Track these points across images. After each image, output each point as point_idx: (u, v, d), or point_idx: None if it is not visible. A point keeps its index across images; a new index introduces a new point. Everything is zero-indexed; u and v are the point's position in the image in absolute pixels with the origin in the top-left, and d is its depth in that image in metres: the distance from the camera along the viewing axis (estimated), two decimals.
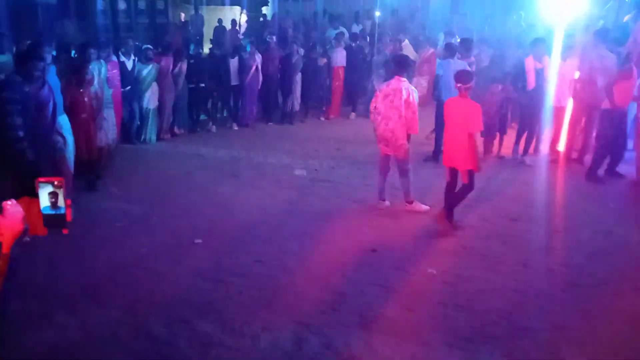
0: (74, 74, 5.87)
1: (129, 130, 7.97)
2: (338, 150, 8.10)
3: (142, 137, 8.12)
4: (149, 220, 5.30)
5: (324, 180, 6.67)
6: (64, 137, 5.47)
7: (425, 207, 5.66)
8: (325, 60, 9.84)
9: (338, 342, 3.41)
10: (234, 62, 9.04)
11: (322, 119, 10.23)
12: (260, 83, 9.28)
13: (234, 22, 14.57)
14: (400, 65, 5.52)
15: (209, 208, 5.69)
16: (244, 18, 15.89)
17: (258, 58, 9.13)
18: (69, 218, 1.68)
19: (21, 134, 4.46)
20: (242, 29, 14.96)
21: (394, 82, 5.43)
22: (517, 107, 7.85)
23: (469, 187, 5.08)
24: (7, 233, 1.61)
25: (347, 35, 11.25)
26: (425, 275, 4.31)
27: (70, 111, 5.69)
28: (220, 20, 14.55)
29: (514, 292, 4.06)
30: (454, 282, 4.19)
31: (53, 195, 1.65)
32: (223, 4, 17.00)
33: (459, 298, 3.96)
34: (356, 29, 13.94)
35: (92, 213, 5.31)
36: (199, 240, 4.84)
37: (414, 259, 4.57)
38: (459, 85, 4.96)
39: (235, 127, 9.34)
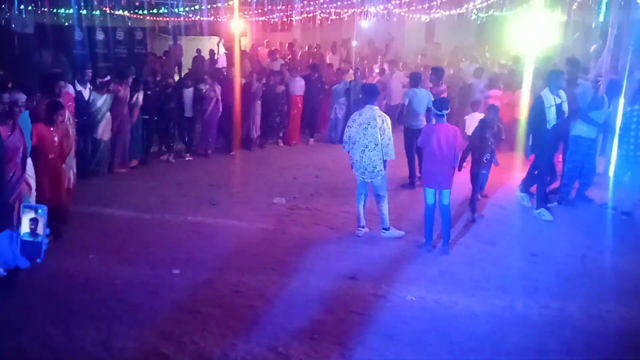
0: (47, 110, 5.26)
1: (82, 163, 7.19)
2: (317, 178, 8.14)
3: (92, 167, 7.53)
4: (125, 251, 5.22)
5: (303, 208, 6.68)
6: (29, 185, 4.69)
7: (400, 233, 5.72)
8: (282, 87, 9.98)
9: None
10: (188, 93, 8.86)
11: (281, 144, 10.30)
12: (219, 113, 9.13)
13: (211, 52, 14.70)
14: (370, 94, 5.64)
15: (187, 238, 5.63)
16: (221, 48, 16.05)
17: (218, 89, 9.03)
18: (45, 247, 1.67)
19: None
20: (222, 59, 15.09)
21: (366, 111, 5.53)
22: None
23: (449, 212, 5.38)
24: None
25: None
26: (404, 301, 4.32)
27: (36, 152, 4.93)
28: (198, 50, 14.67)
29: (493, 317, 4.09)
30: (433, 308, 4.21)
31: (34, 222, 1.64)
32: (202, 34, 17.17)
33: (438, 324, 3.97)
34: (333, 58, 14.25)
35: (67, 242, 5.21)
36: (177, 271, 4.78)
37: (393, 285, 4.58)
38: (437, 112, 5.26)
39: (189, 158, 9.01)
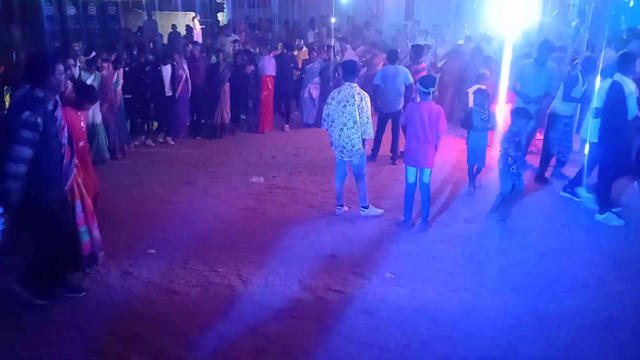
0: (78, 93, 4.73)
1: None
2: (295, 156, 8.06)
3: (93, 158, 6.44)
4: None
5: (282, 187, 6.62)
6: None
7: (379, 211, 5.71)
8: (252, 67, 9.29)
9: (297, 350, 3.37)
10: (166, 70, 8.36)
11: (249, 131, 9.52)
12: (189, 93, 8.68)
13: (189, 28, 14.33)
14: (350, 71, 5.55)
15: (163, 217, 5.53)
16: (197, 24, 15.66)
17: (185, 67, 8.58)
18: (2, 227, 1.59)
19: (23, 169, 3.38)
20: (198, 35, 14.73)
21: (345, 88, 5.45)
22: None
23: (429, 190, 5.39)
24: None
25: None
26: (383, 279, 4.32)
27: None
28: (174, 26, 14.28)
29: (470, 292, 4.12)
30: (412, 286, 4.22)
31: None
32: (177, 10, 16.71)
33: (416, 301, 3.99)
34: (311, 35, 14.02)
35: None
36: (152, 251, 4.70)
37: (372, 263, 4.59)
38: (422, 89, 5.19)
39: (172, 142, 8.63)
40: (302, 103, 10.04)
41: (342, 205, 5.76)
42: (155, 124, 8.98)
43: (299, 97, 10.14)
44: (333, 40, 12.24)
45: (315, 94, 9.83)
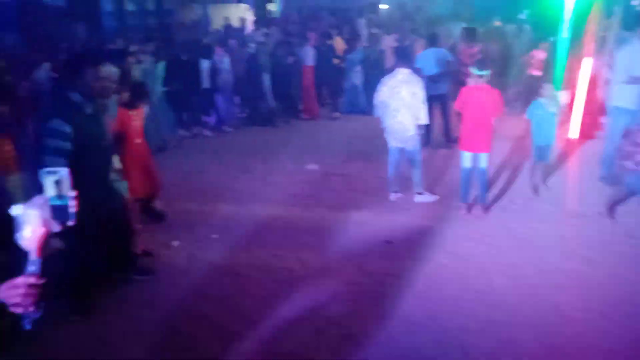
0: (132, 93, 4.68)
1: None
2: (349, 144, 8.12)
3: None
4: (165, 217, 5.36)
5: (337, 174, 6.71)
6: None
7: (434, 197, 5.69)
8: (293, 59, 9.45)
9: (357, 332, 3.45)
10: (205, 63, 8.57)
11: (297, 119, 9.73)
12: (230, 85, 8.91)
13: (242, 20, 14.58)
14: (403, 57, 5.56)
15: (224, 204, 5.74)
16: (250, 15, 15.92)
17: (227, 60, 8.81)
18: (72, 209, 1.61)
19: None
20: (250, 27, 14.99)
21: (398, 74, 5.45)
22: None
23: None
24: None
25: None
26: (440, 264, 4.33)
27: (121, 139, 4.41)
28: (226, 19, 14.59)
29: (533, 279, 4.07)
30: (470, 272, 4.21)
31: (58, 184, 1.59)
32: (229, 2, 17.04)
33: (475, 287, 3.98)
34: (360, 23, 13.96)
35: None
36: (215, 236, 4.91)
37: (428, 248, 4.60)
38: (477, 72, 5.08)
39: (208, 133, 8.82)
40: (345, 91, 10.16)
41: (396, 191, 5.78)
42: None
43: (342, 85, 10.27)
44: (365, 28, 12.18)
45: (358, 82, 9.85)
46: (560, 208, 5.41)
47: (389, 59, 10.22)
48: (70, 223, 1.63)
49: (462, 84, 7.79)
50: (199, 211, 5.54)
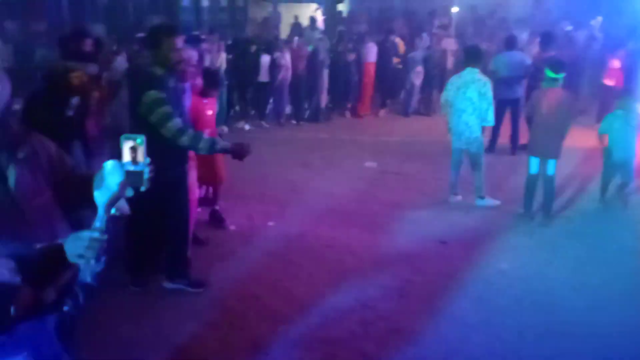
0: (206, 80, 4.45)
1: None
2: (409, 144, 8.02)
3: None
4: (224, 202, 5.49)
5: (394, 173, 6.64)
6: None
7: (496, 202, 5.51)
8: (354, 55, 9.44)
9: (405, 327, 3.40)
10: (265, 59, 8.78)
11: (348, 116, 9.83)
12: (288, 81, 9.01)
13: (312, 19, 14.73)
14: (472, 56, 5.41)
15: (282, 194, 5.82)
16: (319, 15, 16.04)
17: (287, 57, 8.90)
18: (147, 175, 1.66)
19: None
20: (320, 26, 15.11)
21: (466, 74, 5.32)
22: None
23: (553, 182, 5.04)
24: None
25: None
26: (497, 269, 4.19)
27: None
28: (296, 17, 14.79)
29: (593, 291, 3.85)
30: (528, 279, 4.04)
31: (133, 150, 1.63)
32: (300, 1, 17.26)
33: (532, 294, 3.82)
34: (431, 25, 13.73)
35: None
36: (271, 223, 4.99)
37: (486, 252, 4.46)
38: (551, 75, 4.85)
39: (266, 125, 9.08)
40: (404, 91, 10.00)
41: (456, 194, 5.64)
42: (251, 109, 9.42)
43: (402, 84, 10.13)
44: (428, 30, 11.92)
45: (418, 82, 9.69)
46: (629, 225, 5.09)
47: (449, 61, 10.03)
48: (143, 189, 1.68)
49: (537, 89, 7.54)
50: (256, 199, 5.64)
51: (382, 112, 10.04)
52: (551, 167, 4.99)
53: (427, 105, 9.97)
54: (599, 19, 11.38)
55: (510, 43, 7.23)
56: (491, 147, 7.27)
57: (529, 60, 7.22)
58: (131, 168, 1.65)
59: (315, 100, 9.36)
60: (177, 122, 3.22)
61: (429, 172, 6.63)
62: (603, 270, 4.15)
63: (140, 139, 1.66)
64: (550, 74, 4.89)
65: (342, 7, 18.13)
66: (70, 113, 3.65)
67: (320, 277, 4.01)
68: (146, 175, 1.67)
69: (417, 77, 9.69)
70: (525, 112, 5.38)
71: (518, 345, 3.26)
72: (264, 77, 8.91)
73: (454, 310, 3.61)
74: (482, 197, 5.52)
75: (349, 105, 9.87)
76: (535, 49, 8.20)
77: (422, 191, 5.99)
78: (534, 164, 5.07)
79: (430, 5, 15.33)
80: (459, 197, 5.64)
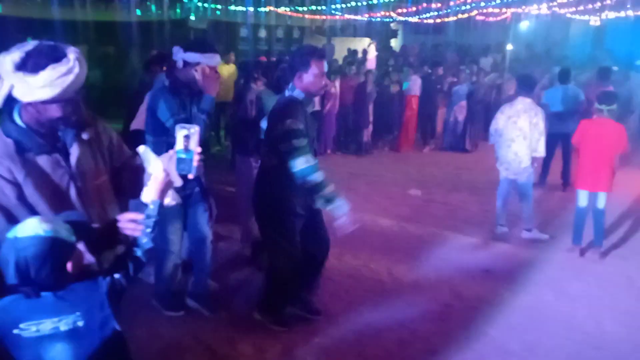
0: None
1: None
2: (456, 176, 7.93)
3: None
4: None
5: (439, 202, 6.57)
6: None
7: (545, 236, 5.33)
8: (397, 87, 9.27)
9: (442, 349, 3.33)
10: None
11: (387, 150, 9.49)
12: (336, 110, 8.90)
13: (364, 51, 15.05)
14: (525, 85, 5.35)
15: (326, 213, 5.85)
16: (373, 49, 16.36)
17: (337, 86, 8.82)
18: (195, 163, 1.75)
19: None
20: (372, 60, 15.39)
21: (518, 102, 5.27)
22: None
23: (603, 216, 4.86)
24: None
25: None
26: (542, 299, 4.05)
27: None
28: (349, 50, 15.14)
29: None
30: (577, 311, 3.88)
31: (187, 139, 1.73)
32: (354, 36, 17.69)
33: (582, 327, 3.65)
34: (485, 62, 13.71)
35: None
36: None
37: (530, 282, 4.33)
38: (602, 106, 4.76)
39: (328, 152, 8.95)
40: (447, 125, 9.84)
41: (502, 225, 5.52)
42: None
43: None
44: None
45: (461, 117, 9.50)
46: None
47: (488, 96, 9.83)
48: (191, 176, 1.79)
49: None
50: None
51: (426, 149, 9.72)
52: (601, 200, 4.82)
53: (470, 141, 9.71)
54: None
55: (564, 76, 7.11)
56: (542, 181, 7.09)
57: (582, 95, 7.07)
58: (182, 155, 1.75)
59: (360, 132, 9.38)
60: (306, 160, 3.10)
61: (475, 203, 6.52)
62: None
63: (194, 129, 1.75)
64: (602, 105, 4.78)
65: (394, 42, 18.44)
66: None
67: (358, 296, 4.00)
68: (195, 163, 1.76)
69: (460, 111, 9.51)
70: (573, 140, 5.23)
71: None
72: (315, 106, 8.97)
73: (494, 336, 3.51)
74: (529, 230, 5.37)
75: (396, 139, 9.71)
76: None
77: (468, 221, 5.89)
78: (583, 196, 4.92)
79: (485, 41, 15.37)
80: (505, 229, 5.51)
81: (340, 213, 3.18)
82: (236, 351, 3.28)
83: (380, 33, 17.91)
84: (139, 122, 2.96)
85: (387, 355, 3.26)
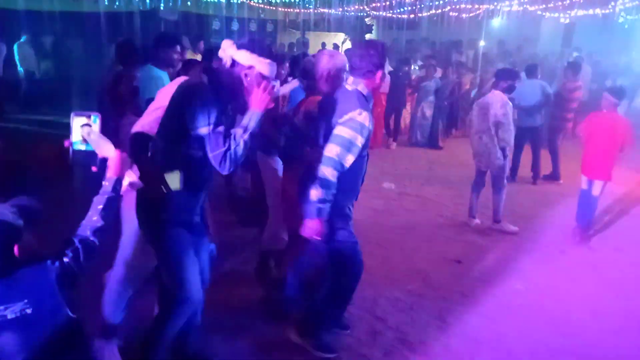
0: None
1: None
2: (429, 170, 7.96)
3: None
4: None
5: (413, 195, 6.58)
6: None
7: (514, 228, 5.40)
8: None
9: (414, 339, 3.32)
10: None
11: None
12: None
13: (335, 45, 15.02)
14: (499, 79, 5.39)
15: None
16: (347, 44, 16.33)
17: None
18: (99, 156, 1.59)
19: None
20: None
21: (490, 96, 5.32)
22: None
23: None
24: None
25: None
26: (512, 289, 4.08)
27: None
28: (323, 44, 15.08)
29: (612, 318, 3.71)
30: (545, 300, 3.92)
31: (86, 128, 1.54)
32: (328, 31, 17.63)
33: (548, 315, 3.69)
34: (457, 58, 13.82)
35: None
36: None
37: (501, 273, 4.36)
38: (610, 99, 5.02)
39: None
40: (414, 121, 9.82)
41: (474, 217, 5.56)
42: None
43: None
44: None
45: (429, 113, 9.46)
46: None
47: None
48: (94, 169, 1.62)
49: (560, 119, 7.47)
50: None
51: (393, 145, 9.58)
52: (596, 188, 5.11)
53: (436, 137, 9.63)
54: None
55: (531, 71, 7.20)
56: (512, 175, 7.18)
57: (549, 89, 7.17)
58: (80, 147, 1.55)
59: None
60: (347, 159, 2.80)
61: (448, 196, 6.55)
62: (627, 302, 3.99)
63: (95, 117, 1.53)
64: (610, 96, 5.03)
65: (369, 37, 18.45)
66: None
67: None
68: (97, 156, 1.56)
69: (428, 107, 9.44)
70: (579, 131, 5.43)
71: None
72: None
73: (465, 326, 3.52)
74: (498, 221, 5.43)
75: None
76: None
77: (440, 213, 5.92)
78: (584, 181, 5.24)
79: (458, 37, 15.47)
80: (478, 221, 5.55)
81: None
82: None
83: (355, 28, 17.89)
84: (144, 124, 2.43)
85: (359, 345, 3.23)
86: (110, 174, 1.63)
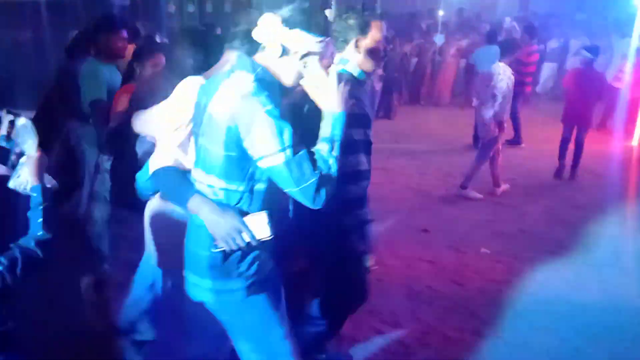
0: None
1: None
2: (396, 143, 7.94)
3: None
4: None
5: (378, 168, 6.52)
6: None
7: (479, 196, 5.45)
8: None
9: (382, 309, 3.31)
10: None
11: None
12: None
13: None
14: (501, 50, 5.46)
15: None
16: None
17: None
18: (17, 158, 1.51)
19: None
20: None
21: (494, 66, 5.43)
22: None
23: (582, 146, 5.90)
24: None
25: None
26: (478, 254, 4.12)
27: None
28: None
29: (574, 273, 3.80)
30: (510, 262, 3.98)
31: (11, 125, 1.48)
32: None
33: (514, 276, 3.75)
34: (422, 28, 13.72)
35: None
36: None
37: (467, 239, 4.40)
38: (590, 57, 5.70)
39: None
40: None
41: (498, 186, 5.59)
42: None
43: None
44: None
45: (378, 86, 9.24)
46: None
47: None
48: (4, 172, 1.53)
49: (518, 83, 7.52)
50: None
51: None
52: (582, 134, 5.83)
53: (389, 109, 9.56)
54: None
55: (490, 37, 7.23)
56: (474, 142, 7.21)
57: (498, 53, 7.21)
58: (3, 144, 1.50)
59: None
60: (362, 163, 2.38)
61: (414, 168, 6.57)
62: (580, 258, 4.10)
63: (25, 119, 1.50)
64: (587, 54, 5.71)
65: (329, 13, 18.20)
66: None
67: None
68: (15, 157, 1.50)
69: (377, 80, 8.99)
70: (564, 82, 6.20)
71: (497, 321, 3.20)
72: None
73: (433, 293, 3.54)
74: (465, 187, 5.47)
75: None
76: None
77: (407, 185, 5.92)
78: (566, 129, 5.94)
79: (417, 7, 15.38)
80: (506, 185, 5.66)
81: None
82: None
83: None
84: (143, 127, 2.05)
85: None
86: (33, 180, 1.50)
